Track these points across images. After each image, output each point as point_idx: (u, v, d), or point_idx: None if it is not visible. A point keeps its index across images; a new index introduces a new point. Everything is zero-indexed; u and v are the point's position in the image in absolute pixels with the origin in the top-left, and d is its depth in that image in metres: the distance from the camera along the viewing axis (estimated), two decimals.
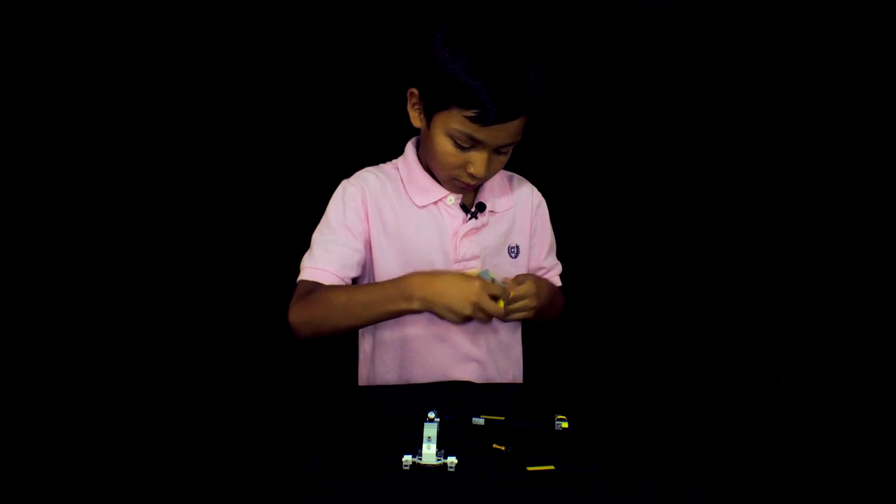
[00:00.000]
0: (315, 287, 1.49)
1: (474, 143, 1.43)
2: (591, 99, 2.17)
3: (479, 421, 1.33)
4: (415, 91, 1.49)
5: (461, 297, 1.39)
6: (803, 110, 2.18)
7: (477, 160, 1.44)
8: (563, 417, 1.32)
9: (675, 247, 2.25)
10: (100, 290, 2.19)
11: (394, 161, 1.62)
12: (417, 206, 1.55)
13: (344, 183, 1.58)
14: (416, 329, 1.58)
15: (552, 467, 1.20)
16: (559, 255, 1.77)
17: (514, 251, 1.64)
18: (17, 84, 2.08)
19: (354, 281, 1.56)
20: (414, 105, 1.51)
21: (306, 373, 2.17)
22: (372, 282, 1.57)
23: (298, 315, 1.48)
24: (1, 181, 2.12)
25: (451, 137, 1.44)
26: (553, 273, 1.76)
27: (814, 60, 2.15)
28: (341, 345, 2.23)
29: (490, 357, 1.63)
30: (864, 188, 2.21)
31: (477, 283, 1.40)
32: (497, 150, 1.46)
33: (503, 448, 1.26)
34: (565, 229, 1.82)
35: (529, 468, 1.20)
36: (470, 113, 1.39)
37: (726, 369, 2.27)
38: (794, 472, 1.96)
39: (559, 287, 1.74)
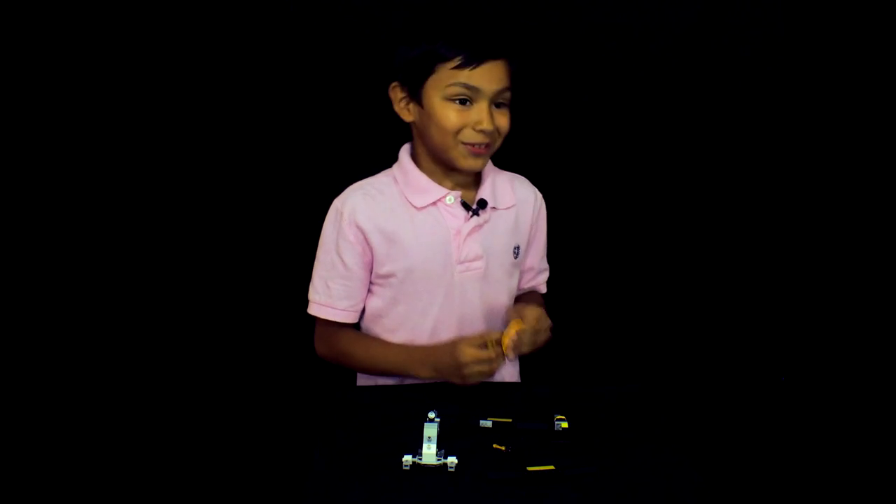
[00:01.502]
0: (335, 331, 1.59)
1: (472, 95, 1.46)
2: (591, 99, 2.17)
3: (487, 423, 1.33)
4: (395, 84, 1.52)
5: (452, 366, 1.43)
6: (803, 110, 2.18)
7: (480, 113, 1.46)
8: (563, 417, 1.33)
9: (675, 247, 2.25)
10: (100, 290, 2.19)
11: (387, 170, 1.61)
12: (416, 208, 1.54)
13: (336, 206, 1.55)
14: (419, 335, 1.58)
15: (552, 467, 1.20)
16: (560, 255, 1.77)
17: (516, 251, 1.63)
18: (17, 84, 2.08)
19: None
20: (400, 99, 1.53)
21: (307, 373, 2.17)
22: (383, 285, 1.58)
23: (325, 355, 1.62)
24: (1, 181, 2.12)
25: (449, 99, 1.47)
26: (542, 278, 1.76)
27: (813, 60, 2.15)
28: None
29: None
30: (864, 188, 2.21)
31: (461, 346, 1.41)
32: (496, 104, 1.49)
33: (503, 448, 1.26)
34: (566, 228, 1.82)
35: (529, 468, 1.20)
36: (456, 61, 1.44)
37: (726, 369, 2.27)
38: (794, 472, 1.97)
39: (542, 295, 1.76)
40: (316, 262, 1.57)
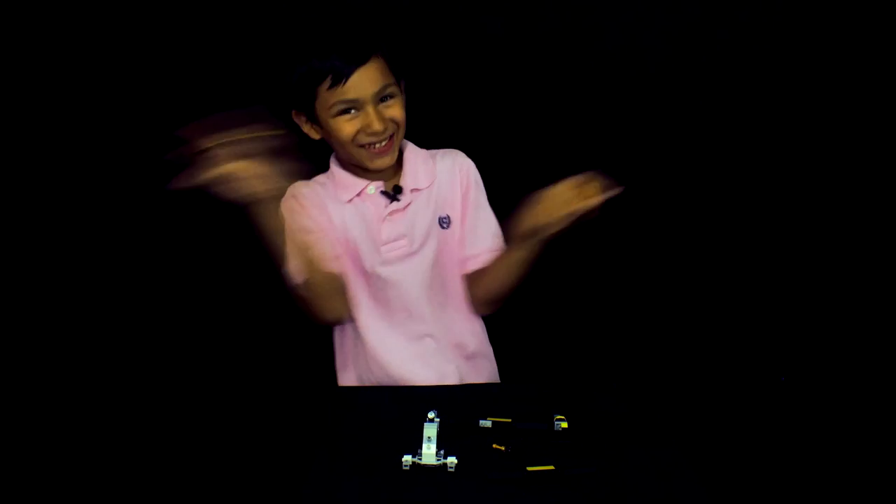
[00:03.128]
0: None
1: (354, 105, 1.54)
2: (589, 98, 2.17)
3: (486, 423, 1.33)
4: (294, 111, 1.60)
5: None
6: (803, 110, 2.18)
7: (367, 118, 1.54)
8: (563, 417, 1.33)
9: (675, 247, 2.25)
10: (101, 292, 2.19)
11: (320, 175, 1.70)
12: (344, 202, 1.64)
13: (287, 193, 1.60)
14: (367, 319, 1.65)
15: (552, 467, 1.20)
16: (560, 255, 1.76)
17: (445, 222, 1.68)
18: (17, 84, 2.08)
19: None
20: (304, 123, 1.61)
21: (306, 374, 2.17)
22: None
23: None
24: (1, 181, 2.12)
25: (337, 115, 1.55)
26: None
27: (812, 61, 2.15)
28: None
29: (443, 329, 1.67)
30: (863, 188, 2.21)
31: None
32: (381, 99, 1.56)
33: (503, 448, 1.26)
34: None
35: (529, 468, 1.20)
36: (327, 83, 1.52)
37: (726, 369, 2.28)
38: (794, 472, 1.97)
39: None
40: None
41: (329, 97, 1.53)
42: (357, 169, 1.64)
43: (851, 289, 2.24)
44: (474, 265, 1.69)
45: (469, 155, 1.74)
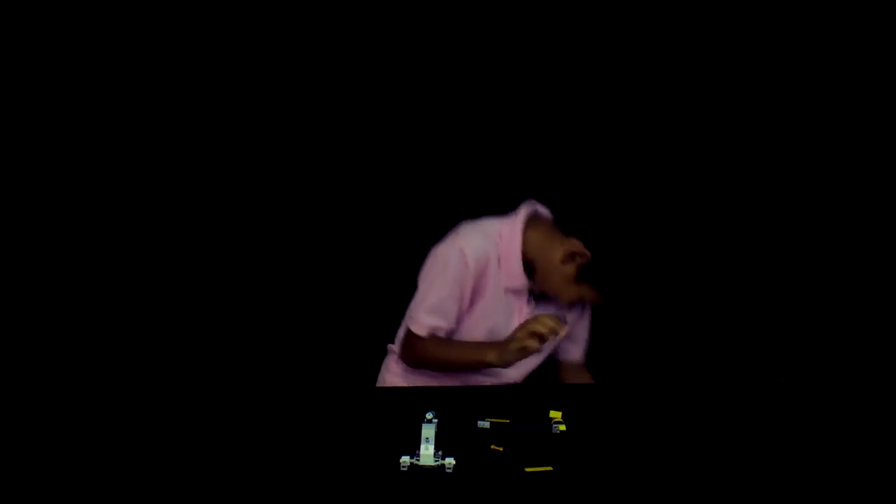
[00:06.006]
0: (423, 341, 1.72)
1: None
2: (589, 98, 2.17)
3: (485, 424, 1.33)
4: (580, 254, 1.68)
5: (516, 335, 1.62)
6: (803, 110, 2.18)
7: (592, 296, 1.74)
8: (561, 420, 1.32)
9: (675, 247, 2.24)
10: (102, 293, 2.19)
11: (500, 225, 1.73)
12: (502, 289, 1.71)
13: (461, 248, 1.68)
14: None
15: (550, 468, 1.20)
16: None
17: (563, 318, 1.74)
18: (17, 84, 2.08)
19: None
20: (575, 264, 1.68)
21: (305, 375, 2.16)
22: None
23: (409, 360, 1.76)
24: (2, 181, 2.12)
25: (581, 297, 1.72)
26: None
27: (812, 61, 2.15)
28: (339, 348, 2.23)
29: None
30: (863, 188, 2.21)
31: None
32: None
33: (501, 449, 1.26)
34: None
35: (527, 469, 1.20)
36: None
37: (726, 369, 2.27)
38: (793, 472, 1.96)
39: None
40: (427, 285, 1.70)
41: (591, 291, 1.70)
42: (530, 269, 1.70)
43: (851, 289, 2.24)
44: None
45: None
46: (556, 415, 1.33)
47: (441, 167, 2.21)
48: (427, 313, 1.68)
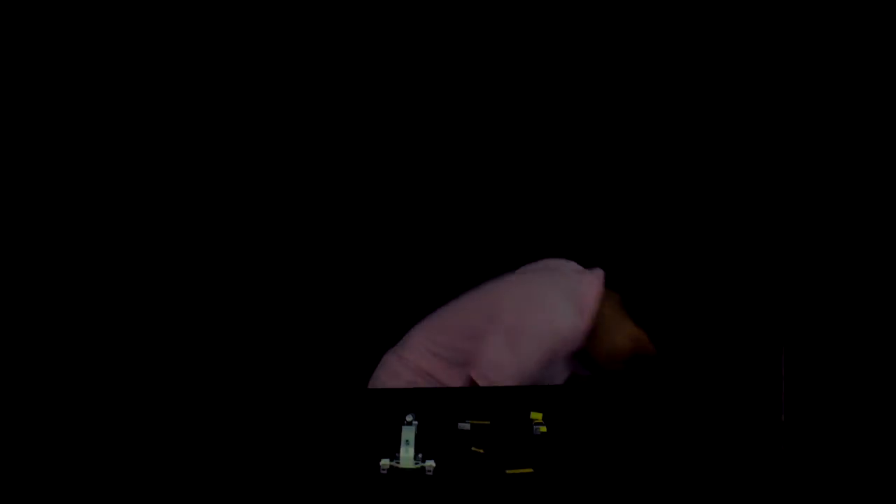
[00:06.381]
0: None
1: None
2: (589, 99, 2.18)
3: (465, 426, 1.32)
4: (647, 349, 1.81)
5: None
6: (803, 110, 2.19)
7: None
8: (542, 421, 1.32)
9: (675, 246, 2.25)
10: (100, 293, 2.18)
11: (581, 288, 1.76)
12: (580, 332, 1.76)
13: (560, 332, 1.68)
14: None
15: (531, 469, 1.19)
16: (564, 252, 1.80)
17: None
18: (17, 84, 2.07)
19: None
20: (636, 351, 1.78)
21: (286, 378, 2.16)
22: None
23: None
24: (2, 181, 2.11)
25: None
26: None
27: (811, 61, 2.16)
28: (330, 350, 2.23)
29: None
30: (863, 189, 2.22)
31: None
32: None
33: (482, 451, 1.25)
34: (567, 224, 1.84)
35: (508, 471, 1.19)
36: None
37: (726, 369, 2.27)
38: (793, 473, 1.96)
39: None
40: (510, 357, 1.66)
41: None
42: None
43: (852, 289, 2.25)
44: None
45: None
46: (536, 416, 1.33)
47: (441, 167, 2.21)
48: (507, 379, 1.66)
